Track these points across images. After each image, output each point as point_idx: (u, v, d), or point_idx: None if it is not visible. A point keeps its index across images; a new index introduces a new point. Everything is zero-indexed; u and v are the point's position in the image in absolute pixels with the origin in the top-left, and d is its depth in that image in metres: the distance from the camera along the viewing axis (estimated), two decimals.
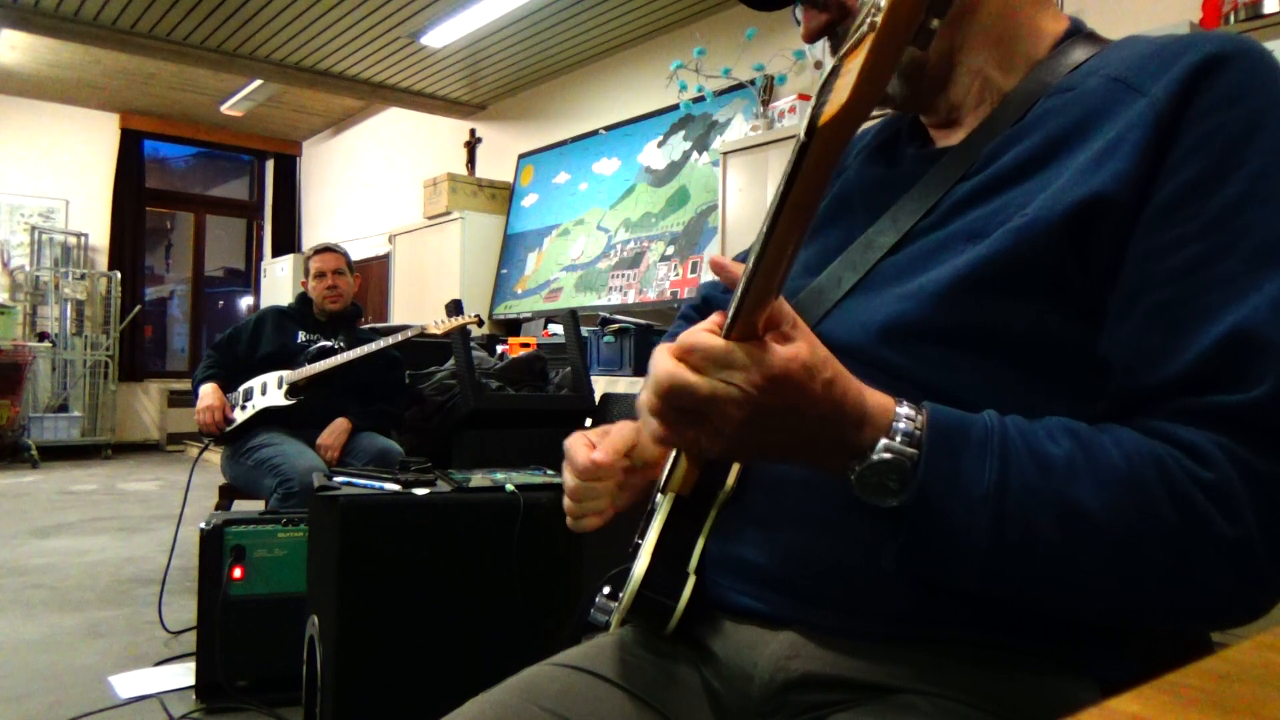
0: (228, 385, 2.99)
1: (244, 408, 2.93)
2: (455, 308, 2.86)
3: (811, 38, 0.75)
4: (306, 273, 3.18)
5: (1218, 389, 0.54)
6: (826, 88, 0.40)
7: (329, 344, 3.08)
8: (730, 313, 0.50)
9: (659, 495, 0.79)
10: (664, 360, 0.52)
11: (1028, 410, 0.58)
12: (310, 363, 2.97)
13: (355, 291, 3.25)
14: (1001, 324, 0.61)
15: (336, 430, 2.91)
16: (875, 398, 0.55)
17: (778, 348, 0.51)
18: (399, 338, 2.94)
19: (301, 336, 3.10)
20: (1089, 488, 0.53)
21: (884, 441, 0.54)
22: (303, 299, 3.21)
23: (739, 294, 0.49)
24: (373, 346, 2.93)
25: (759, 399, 0.51)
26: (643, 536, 0.86)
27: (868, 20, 0.37)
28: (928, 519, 0.54)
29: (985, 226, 0.62)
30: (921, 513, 0.54)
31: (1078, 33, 0.71)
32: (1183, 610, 0.55)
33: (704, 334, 0.51)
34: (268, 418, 2.91)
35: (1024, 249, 0.59)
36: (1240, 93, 0.58)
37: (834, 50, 0.78)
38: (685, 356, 0.51)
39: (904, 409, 0.55)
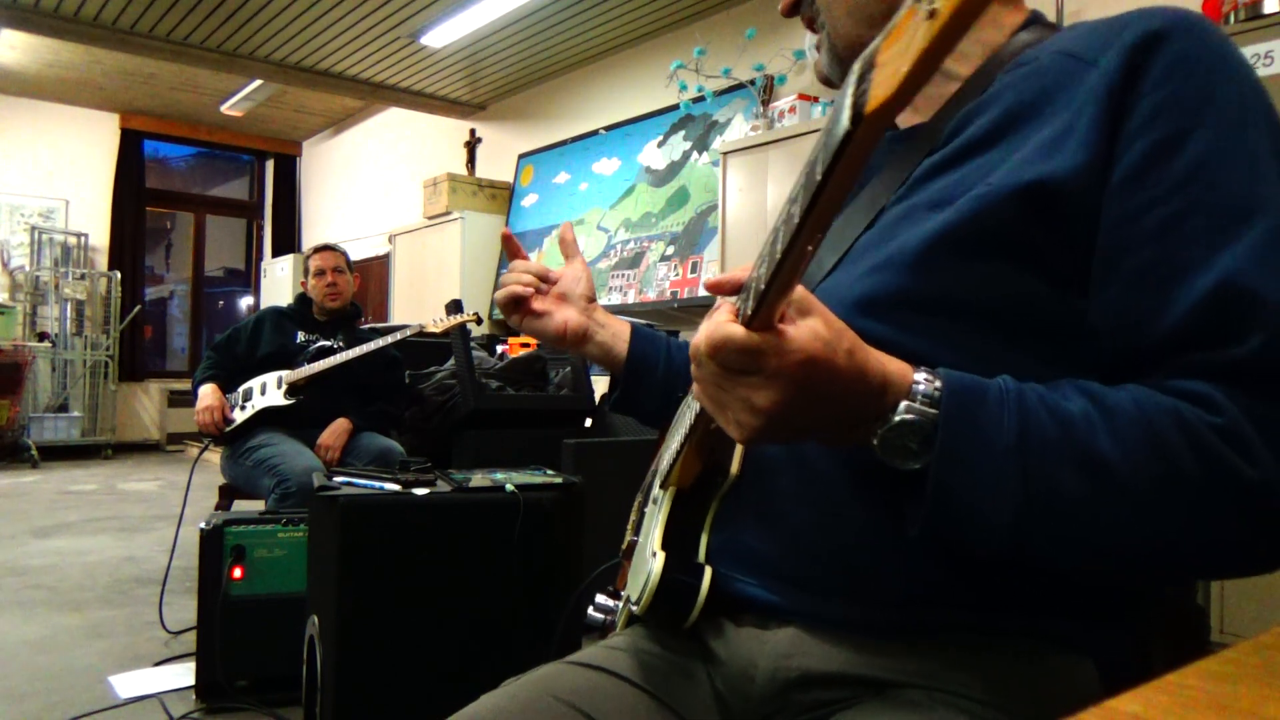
0: (227, 386, 2.99)
1: (243, 408, 2.93)
2: (455, 307, 2.86)
3: (788, 11, 0.82)
4: (306, 271, 3.17)
5: (1212, 344, 0.55)
6: (865, 79, 0.41)
7: (328, 344, 3.07)
8: (752, 304, 0.51)
9: (658, 490, 0.79)
10: (700, 346, 0.54)
11: (1017, 377, 0.58)
12: (309, 362, 2.97)
13: (355, 291, 3.25)
14: (974, 288, 0.62)
15: (337, 431, 2.91)
16: (894, 363, 0.56)
17: (796, 332, 0.52)
18: (398, 336, 2.94)
19: (300, 336, 3.09)
20: (1109, 440, 0.53)
21: (905, 403, 0.54)
22: (302, 299, 3.21)
23: (762, 287, 0.50)
24: (372, 345, 2.92)
25: (790, 384, 0.52)
26: (638, 533, 0.86)
27: (924, 8, 0.38)
28: (951, 478, 0.54)
29: (949, 195, 0.64)
30: (945, 472, 0.54)
31: (1035, 22, 0.74)
32: (1213, 558, 0.55)
33: (731, 325, 0.52)
34: (268, 418, 2.91)
35: (987, 215, 0.61)
36: (1190, 59, 0.59)
37: (808, 26, 0.81)
38: (716, 352, 0.53)
39: (921, 373, 0.55)
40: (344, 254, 3.21)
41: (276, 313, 3.18)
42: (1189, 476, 0.52)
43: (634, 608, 0.73)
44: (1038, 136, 0.62)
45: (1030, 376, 0.59)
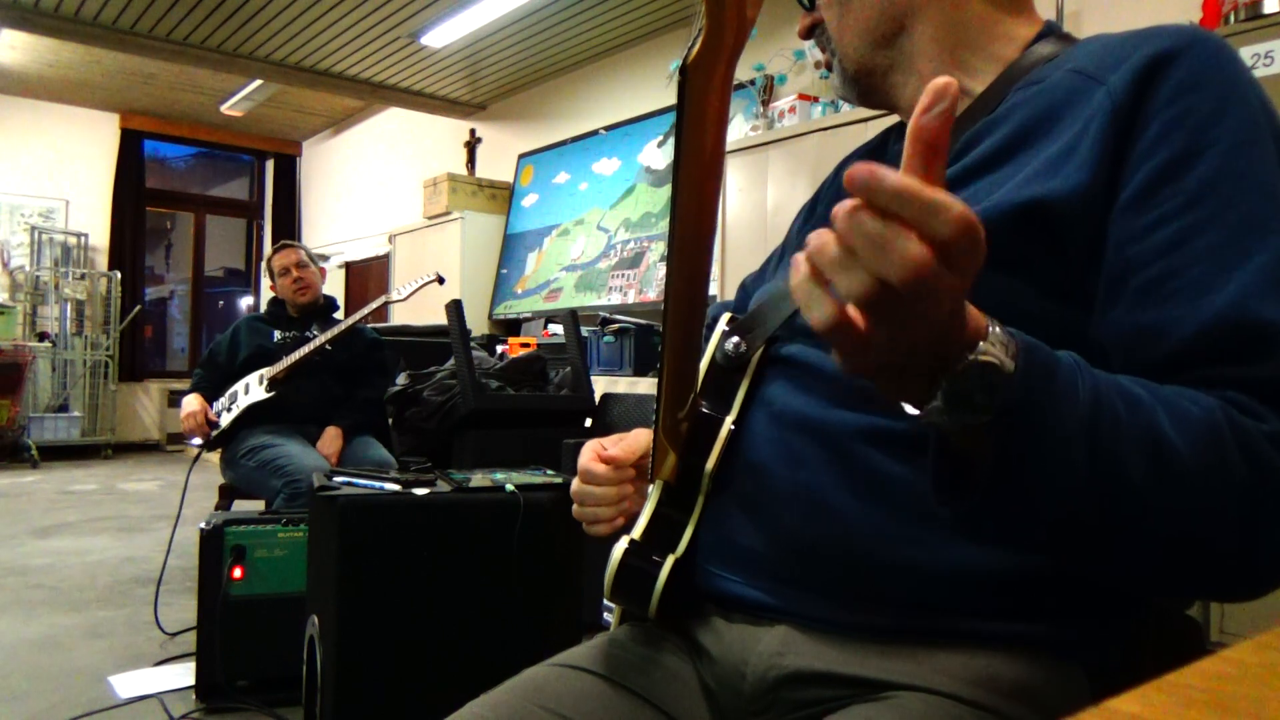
0: (215, 397, 3.05)
1: (230, 410, 2.95)
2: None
3: (804, 34, 0.83)
4: (271, 275, 3.22)
5: (1230, 361, 0.53)
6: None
7: (306, 337, 3.11)
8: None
9: (649, 485, 0.79)
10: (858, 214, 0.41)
11: None
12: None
13: (323, 283, 3.29)
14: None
15: (332, 440, 2.93)
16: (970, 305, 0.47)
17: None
18: (366, 311, 3.01)
19: (278, 336, 3.14)
20: (1170, 424, 0.50)
21: (982, 345, 0.46)
22: (274, 301, 3.26)
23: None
24: (342, 325, 2.98)
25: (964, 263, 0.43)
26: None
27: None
28: (1024, 437, 0.48)
29: None
30: (1018, 430, 0.48)
31: (1051, 34, 0.73)
32: (1244, 565, 0.51)
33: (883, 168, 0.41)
34: (258, 417, 2.92)
35: (985, 230, 0.60)
36: (1202, 78, 0.59)
37: (821, 49, 0.83)
38: (874, 195, 0.41)
39: (991, 321, 0.48)
40: (303, 248, 3.26)
41: (251, 318, 3.25)
42: (1239, 475, 0.50)
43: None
44: (1043, 155, 0.61)
45: None
